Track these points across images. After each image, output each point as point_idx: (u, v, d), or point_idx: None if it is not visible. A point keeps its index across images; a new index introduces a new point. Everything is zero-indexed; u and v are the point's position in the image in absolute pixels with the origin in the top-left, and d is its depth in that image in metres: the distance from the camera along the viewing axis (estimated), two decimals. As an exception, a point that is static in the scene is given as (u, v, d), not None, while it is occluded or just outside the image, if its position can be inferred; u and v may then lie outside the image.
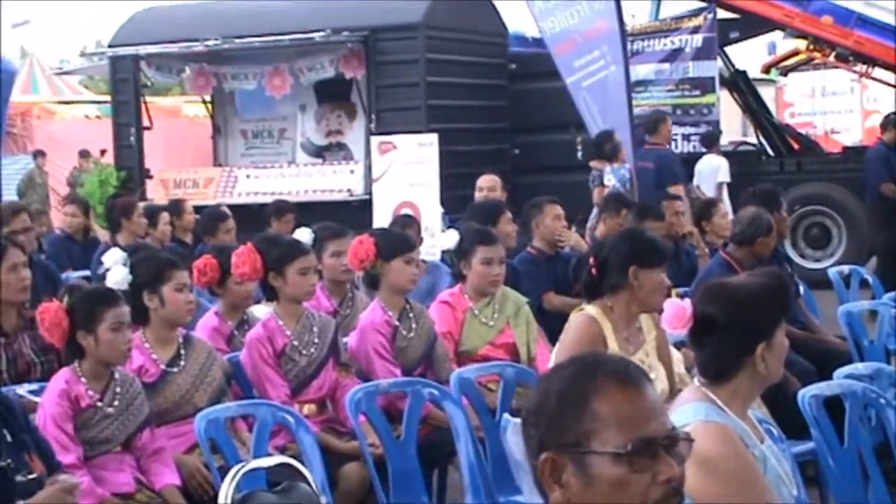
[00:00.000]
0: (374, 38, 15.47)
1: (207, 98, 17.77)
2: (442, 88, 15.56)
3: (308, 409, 6.32)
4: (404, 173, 14.51)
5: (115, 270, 5.97)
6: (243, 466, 3.60)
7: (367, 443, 5.86)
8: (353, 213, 13.89)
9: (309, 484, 3.60)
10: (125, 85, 16.77)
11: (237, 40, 15.69)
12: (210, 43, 15.64)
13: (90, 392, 5.42)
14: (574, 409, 2.42)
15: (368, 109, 15.83)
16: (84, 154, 24.50)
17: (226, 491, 3.44)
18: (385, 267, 6.79)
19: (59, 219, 17.06)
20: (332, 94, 16.92)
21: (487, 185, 11.20)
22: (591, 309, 5.60)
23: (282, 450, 5.86)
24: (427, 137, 14.48)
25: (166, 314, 6.01)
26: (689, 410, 3.67)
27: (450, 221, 12.63)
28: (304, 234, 7.51)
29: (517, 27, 18.26)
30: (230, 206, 13.84)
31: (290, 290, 6.48)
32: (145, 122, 16.80)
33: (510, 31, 17.51)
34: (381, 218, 13.84)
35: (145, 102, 16.90)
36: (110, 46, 16.96)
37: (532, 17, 15.22)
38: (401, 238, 7.21)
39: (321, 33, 15.17)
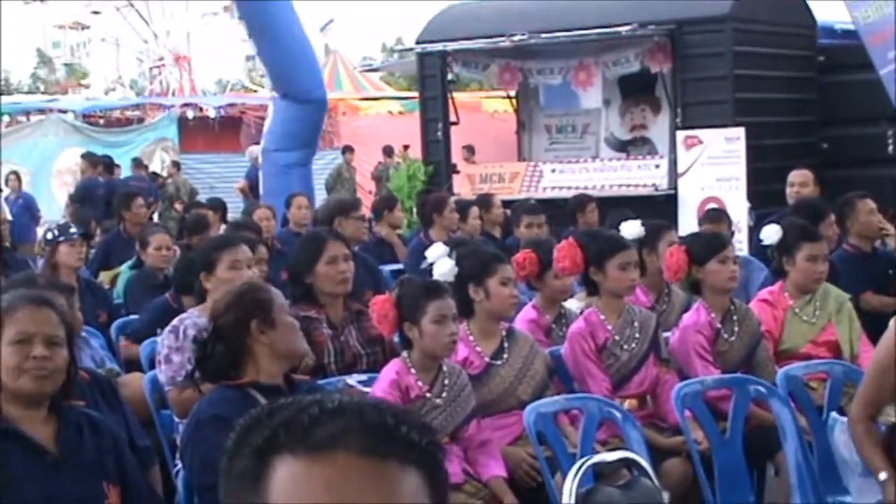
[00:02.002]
0: (681, 31, 15.30)
1: (512, 93, 17.89)
2: (749, 81, 15.29)
3: (629, 403, 6.30)
4: (710, 168, 14.39)
5: (442, 263, 6.05)
6: (588, 460, 3.61)
7: (692, 439, 5.81)
8: (658, 208, 13.78)
9: (651, 480, 3.58)
10: (433, 81, 16.99)
11: (543, 35, 15.72)
12: (517, 38, 15.72)
13: (419, 383, 5.52)
14: None
15: (674, 103, 15.68)
16: (388, 151, 25.02)
17: (570, 485, 3.45)
18: (701, 271, 6.70)
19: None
20: (637, 89, 16.83)
21: (799, 181, 10.94)
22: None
23: (603, 444, 5.87)
24: (734, 132, 14.33)
25: (491, 307, 6.08)
26: None
27: (756, 217, 12.45)
28: (633, 228, 7.44)
29: (825, 18, 17.82)
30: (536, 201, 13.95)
31: (611, 285, 6.47)
32: (452, 118, 17.00)
33: (818, 22, 17.10)
34: (687, 213, 13.75)
35: (452, 98, 17.11)
36: (418, 43, 17.22)
37: (845, 6, 14.84)
38: (712, 238, 7.10)
39: (628, 27, 15.08)
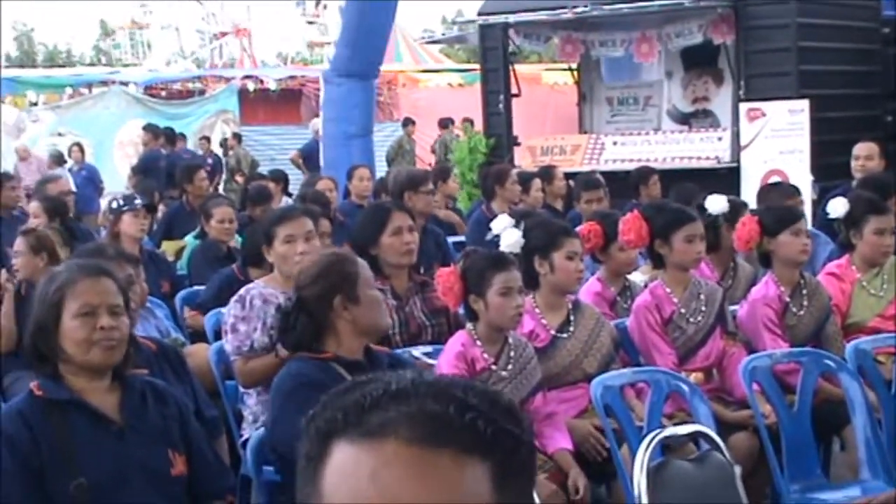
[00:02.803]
0: (745, 2, 15.15)
1: (574, 66, 17.84)
2: (813, 53, 15.14)
3: (695, 377, 6.25)
4: (774, 140, 14.29)
5: (509, 234, 6.02)
6: (659, 434, 3.58)
7: (760, 412, 5.76)
8: (720, 181, 13.65)
9: (723, 453, 3.55)
10: (494, 53, 16.93)
11: (606, 7, 15.64)
12: (579, 10, 15.65)
13: (485, 355, 5.50)
14: None
15: (737, 75, 15.57)
16: (444, 124, 24.94)
17: (641, 458, 3.43)
18: (773, 242, 6.64)
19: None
20: (699, 60, 16.72)
21: (865, 154, 10.81)
22: None
23: (669, 417, 5.85)
24: (798, 104, 14.22)
25: (555, 281, 6.04)
26: None
27: (820, 190, 12.35)
28: (719, 203, 7.37)
29: (890, -10, 17.63)
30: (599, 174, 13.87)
31: (677, 258, 6.42)
32: (513, 90, 16.95)
33: (883, -6, 16.92)
34: (750, 186, 13.65)
35: (514, 70, 17.05)
36: (480, 14, 17.16)
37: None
38: (785, 211, 7.04)
39: (691, -1, 15.00)
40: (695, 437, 4.27)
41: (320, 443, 1.53)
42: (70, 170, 20.29)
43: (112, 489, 3.94)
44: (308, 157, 21.16)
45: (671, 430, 3.68)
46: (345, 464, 1.50)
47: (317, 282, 4.81)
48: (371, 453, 1.48)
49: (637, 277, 7.41)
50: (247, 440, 6.07)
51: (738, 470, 3.77)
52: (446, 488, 1.46)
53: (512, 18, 16.38)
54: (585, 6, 15.62)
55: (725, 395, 6.30)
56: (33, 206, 9.81)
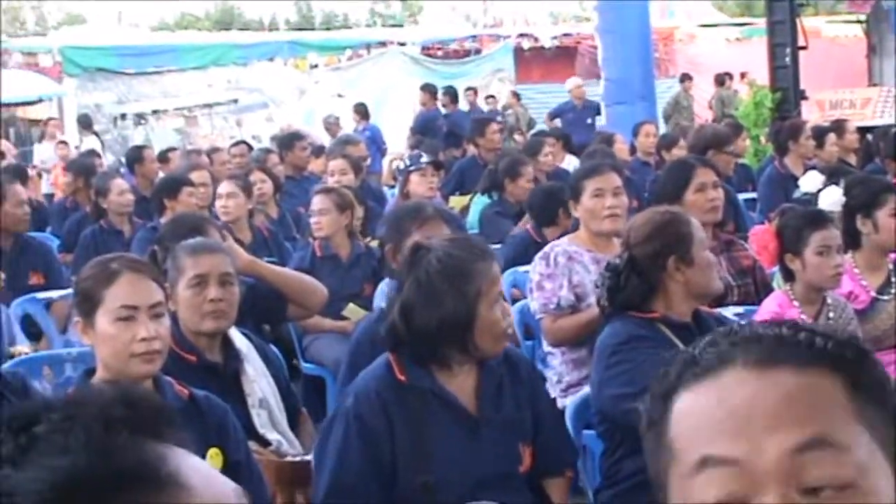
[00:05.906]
0: None
1: (862, 17, 17.28)
2: None
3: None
4: None
5: (830, 191, 5.80)
6: None
7: None
8: None
9: None
10: (780, 5, 16.49)
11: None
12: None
13: (803, 316, 5.30)
14: None
15: None
16: (720, 80, 24.43)
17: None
18: None
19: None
20: None
21: None
22: None
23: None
24: None
25: (879, 240, 5.79)
26: None
27: None
28: None
29: None
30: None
31: None
32: (800, 43, 16.48)
33: None
34: None
35: (801, 22, 16.57)
36: (767, -34, 16.75)
37: None
38: None
39: None
40: None
41: (662, 405, 1.53)
42: (354, 130, 20.41)
43: (459, 488, 3.77)
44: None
45: None
46: (686, 406, 1.50)
47: (650, 241, 4.60)
48: (710, 387, 1.48)
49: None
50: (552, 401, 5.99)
51: None
52: (791, 399, 1.44)
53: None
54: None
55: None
56: (338, 164, 9.86)
